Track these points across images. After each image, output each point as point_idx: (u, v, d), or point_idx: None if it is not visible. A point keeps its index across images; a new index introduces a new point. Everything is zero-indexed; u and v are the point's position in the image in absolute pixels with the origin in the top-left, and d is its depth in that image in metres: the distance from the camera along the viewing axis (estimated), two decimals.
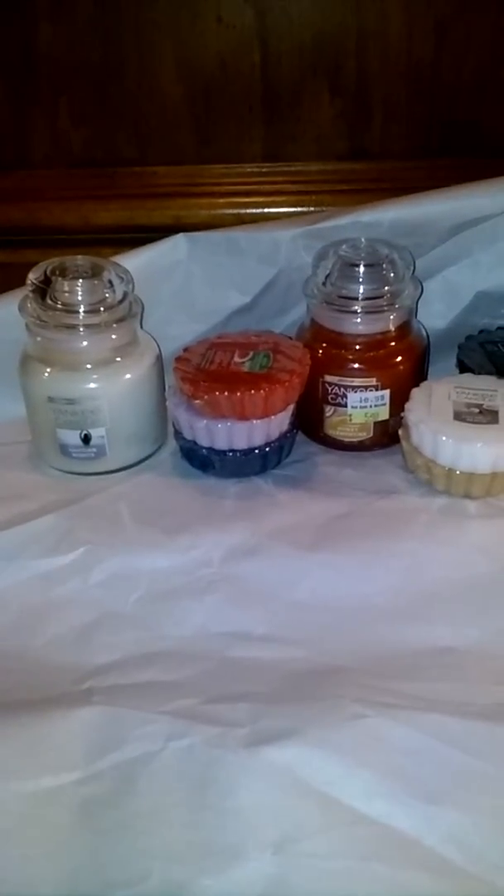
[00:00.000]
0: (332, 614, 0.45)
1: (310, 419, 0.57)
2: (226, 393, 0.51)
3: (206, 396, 0.51)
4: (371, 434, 0.57)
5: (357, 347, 0.55)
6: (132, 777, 0.35)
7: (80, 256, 0.55)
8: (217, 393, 0.51)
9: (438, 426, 0.51)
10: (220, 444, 0.54)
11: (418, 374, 0.57)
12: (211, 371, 0.53)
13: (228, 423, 0.52)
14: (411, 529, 0.50)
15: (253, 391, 0.51)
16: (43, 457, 0.57)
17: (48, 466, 0.56)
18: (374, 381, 0.55)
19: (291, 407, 0.54)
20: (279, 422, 0.54)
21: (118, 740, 0.36)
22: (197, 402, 0.52)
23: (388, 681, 0.40)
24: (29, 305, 0.53)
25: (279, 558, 0.49)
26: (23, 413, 0.56)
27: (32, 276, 0.54)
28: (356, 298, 0.54)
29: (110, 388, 0.53)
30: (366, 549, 0.49)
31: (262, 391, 0.51)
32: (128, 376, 0.54)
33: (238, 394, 0.51)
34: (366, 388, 0.55)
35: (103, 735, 0.37)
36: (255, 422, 0.52)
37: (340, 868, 0.31)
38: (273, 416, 0.53)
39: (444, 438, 0.51)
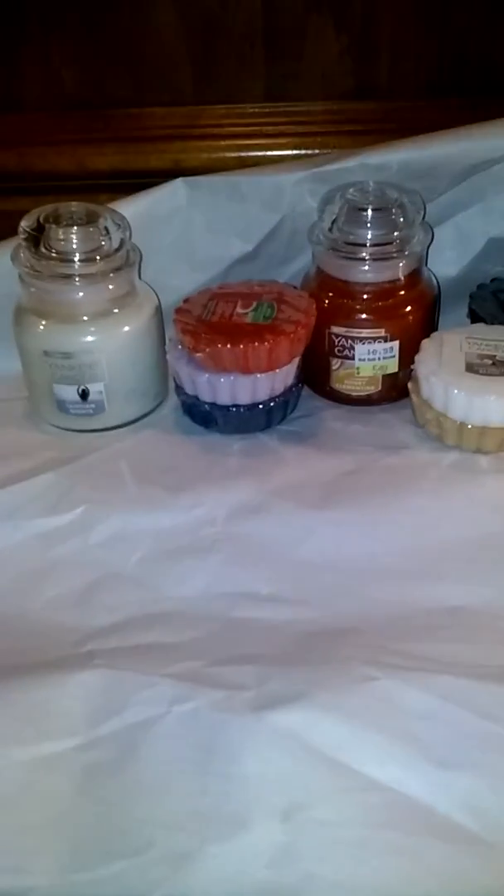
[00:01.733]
0: (341, 574, 0.44)
1: (316, 373, 0.55)
2: (228, 345, 0.49)
3: (207, 349, 0.49)
4: (379, 388, 0.55)
5: (365, 297, 0.53)
6: (134, 743, 0.33)
7: (74, 203, 0.52)
8: (219, 345, 0.49)
9: (450, 378, 0.49)
10: (223, 399, 0.52)
11: (428, 324, 0.55)
12: (213, 323, 0.51)
13: (231, 378, 0.50)
14: (421, 486, 0.49)
15: (257, 343, 0.49)
16: (40, 414, 0.55)
17: (46, 424, 0.55)
18: (382, 332, 0.53)
19: (297, 360, 0.52)
20: (284, 375, 0.52)
21: (120, 704, 0.35)
22: (198, 355, 0.50)
23: (399, 642, 0.39)
24: (22, 255, 0.51)
25: (285, 516, 0.47)
26: (18, 369, 0.54)
27: (25, 224, 0.51)
28: (364, 245, 0.52)
29: (108, 341, 0.51)
30: (374, 506, 0.47)
31: (266, 343, 0.49)
32: (126, 329, 0.52)
33: (241, 346, 0.49)
34: (374, 339, 0.53)
35: (105, 699, 0.35)
36: (259, 375, 0.50)
37: (351, 836, 0.30)
38: (278, 370, 0.51)
39: (455, 391, 0.49)
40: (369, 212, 0.52)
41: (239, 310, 0.52)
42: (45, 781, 0.33)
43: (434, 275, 0.56)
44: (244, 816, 0.31)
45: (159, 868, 0.30)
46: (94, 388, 0.52)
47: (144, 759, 0.33)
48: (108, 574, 0.45)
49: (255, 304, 0.52)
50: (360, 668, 0.36)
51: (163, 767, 0.33)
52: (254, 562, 0.45)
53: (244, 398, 0.51)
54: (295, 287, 0.55)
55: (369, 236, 0.52)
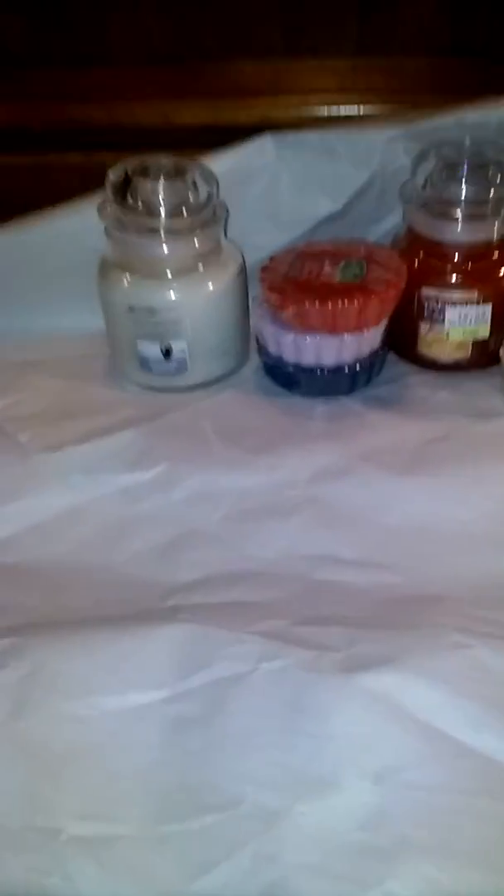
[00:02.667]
0: (427, 540, 0.43)
1: (402, 336, 0.54)
2: (316, 303, 0.48)
3: (294, 307, 0.48)
4: (469, 354, 0.53)
5: (457, 258, 0.51)
6: (222, 697, 0.33)
7: (162, 156, 0.51)
8: (307, 304, 0.48)
9: None
10: (308, 361, 0.50)
11: None
12: (300, 281, 0.50)
13: (318, 338, 0.49)
14: None
15: (346, 302, 0.47)
16: (123, 371, 0.54)
17: (128, 382, 0.54)
18: (475, 296, 0.51)
19: (384, 322, 0.51)
20: (371, 338, 0.50)
21: (207, 659, 0.35)
22: (284, 313, 0.49)
23: (490, 611, 0.38)
24: (108, 208, 0.51)
25: (370, 481, 0.46)
26: (102, 326, 0.54)
27: (112, 176, 0.50)
28: (458, 203, 0.50)
29: (192, 298, 0.51)
30: (463, 474, 0.46)
31: (355, 302, 0.47)
32: (210, 286, 0.51)
33: (329, 305, 0.47)
34: (466, 302, 0.51)
35: (191, 653, 0.35)
36: (345, 336, 0.49)
37: (444, 802, 0.29)
38: (365, 331, 0.49)
39: None
40: (465, 169, 0.50)
41: (327, 269, 0.50)
42: (132, 731, 0.33)
43: None
44: (335, 776, 0.30)
45: (249, 824, 0.29)
46: (178, 346, 0.51)
47: (232, 714, 0.33)
48: (190, 531, 0.44)
49: (343, 262, 0.51)
50: (451, 634, 0.35)
51: (251, 723, 0.32)
52: (337, 525, 0.44)
53: (329, 359, 0.50)
54: (386, 247, 0.53)
55: (464, 194, 0.50)
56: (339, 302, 0.47)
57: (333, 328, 0.49)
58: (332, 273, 0.50)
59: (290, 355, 0.51)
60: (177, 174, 0.50)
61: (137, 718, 0.33)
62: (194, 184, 0.50)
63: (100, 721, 0.33)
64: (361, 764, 0.30)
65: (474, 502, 0.44)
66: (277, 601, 0.39)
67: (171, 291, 0.50)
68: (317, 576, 0.41)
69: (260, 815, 0.30)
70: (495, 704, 0.32)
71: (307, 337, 0.49)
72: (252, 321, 0.53)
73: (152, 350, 0.51)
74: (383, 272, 0.49)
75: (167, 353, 0.51)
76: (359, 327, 0.49)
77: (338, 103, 0.59)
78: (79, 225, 0.54)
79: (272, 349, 0.52)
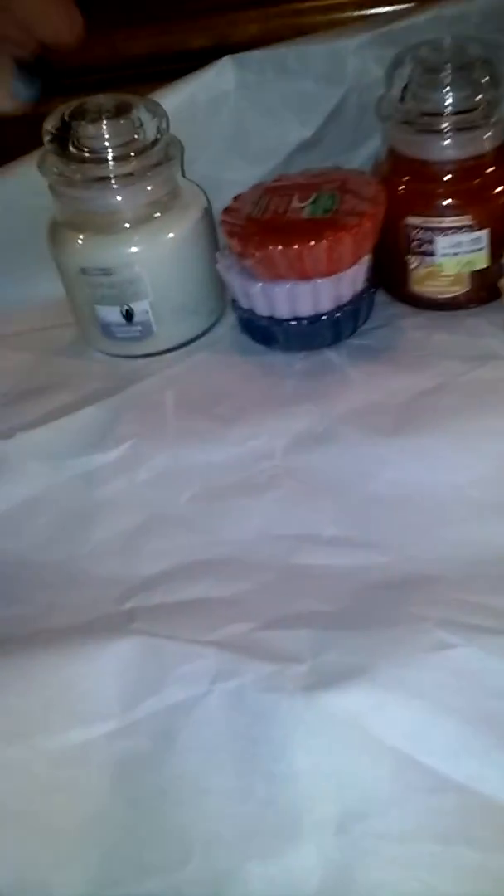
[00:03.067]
0: (417, 511, 0.38)
1: (391, 274, 0.48)
2: (280, 246, 0.42)
3: (256, 253, 0.43)
4: (467, 287, 0.47)
5: (446, 178, 0.44)
6: (172, 729, 0.29)
7: (101, 95, 0.45)
8: (270, 247, 0.42)
9: None
10: (281, 312, 0.45)
11: None
12: (264, 221, 0.44)
13: (288, 285, 0.43)
14: None
15: (314, 242, 0.41)
16: (87, 340, 0.50)
17: (93, 350, 0.50)
18: (468, 220, 0.44)
19: (365, 259, 0.45)
20: (351, 279, 0.45)
21: (158, 681, 0.31)
22: (248, 260, 0.43)
23: (484, 594, 0.33)
24: (48, 160, 0.45)
25: (353, 446, 0.41)
26: (62, 292, 0.49)
27: (49, 125, 0.45)
28: (442, 113, 0.43)
29: (150, 251, 0.45)
30: (458, 430, 0.40)
31: (324, 241, 0.41)
32: (170, 235, 0.46)
33: (296, 246, 0.42)
34: (458, 229, 0.44)
35: (142, 674, 0.31)
36: (320, 281, 0.43)
37: (418, 853, 0.25)
38: (342, 273, 0.43)
39: None
40: (447, 72, 0.43)
41: (295, 204, 0.44)
42: (73, 776, 0.29)
43: None
44: (292, 826, 0.26)
45: (196, 889, 0.25)
46: (139, 308, 0.46)
47: (182, 751, 0.28)
48: (156, 516, 0.40)
49: (314, 195, 0.44)
50: (433, 631, 0.30)
51: (202, 761, 0.28)
52: (316, 499, 0.39)
53: (305, 309, 0.45)
54: (363, 173, 0.47)
55: (448, 101, 0.43)
56: (306, 242, 0.42)
57: (303, 273, 0.43)
58: (301, 209, 0.44)
59: (262, 307, 0.45)
60: (119, 112, 0.45)
61: (80, 760, 0.29)
62: (140, 121, 0.45)
63: (38, 765, 0.29)
64: (322, 810, 0.26)
65: (471, 463, 0.39)
66: (245, 596, 0.35)
67: (126, 246, 0.45)
68: (293, 559, 0.37)
69: (207, 877, 0.26)
70: (479, 719, 0.27)
71: (276, 285, 0.44)
72: (219, 271, 0.47)
73: (112, 314, 0.47)
74: (358, 202, 0.43)
75: (129, 316, 0.46)
76: (332, 270, 0.43)
77: (303, 13, 0.52)
78: (24, 185, 0.48)
79: (242, 302, 0.46)
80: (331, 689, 0.28)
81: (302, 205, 0.44)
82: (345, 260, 0.43)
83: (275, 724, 0.28)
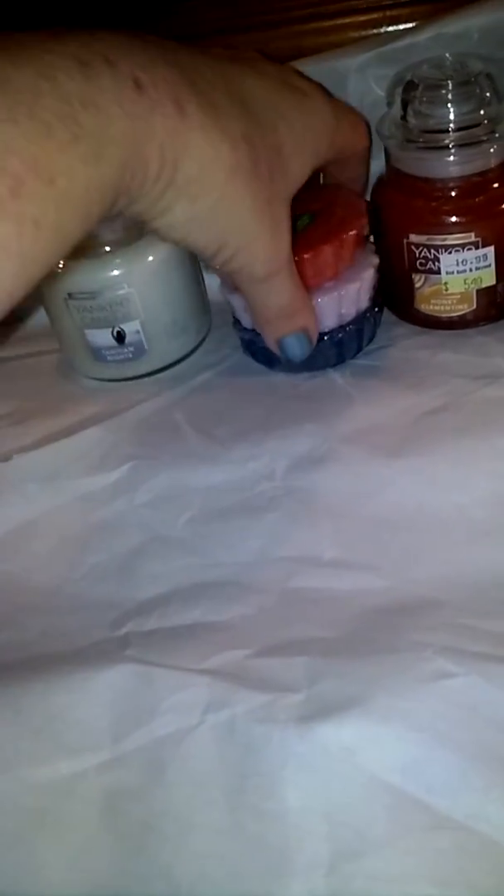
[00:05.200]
0: (420, 532, 0.37)
1: (397, 293, 0.47)
2: None
3: None
4: (474, 306, 0.46)
5: (451, 195, 0.43)
6: (161, 762, 0.28)
7: None
8: None
9: None
10: None
11: None
12: None
13: None
14: None
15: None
16: (75, 366, 0.49)
17: (82, 377, 0.49)
18: (472, 237, 0.43)
19: (369, 277, 0.44)
20: (354, 299, 0.44)
21: (149, 710, 0.30)
22: None
23: (488, 619, 0.31)
24: None
25: (354, 466, 0.40)
26: (44, 319, 0.49)
27: None
28: (445, 130, 0.43)
29: (137, 270, 0.45)
30: (462, 449, 0.39)
31: (305, 255, 0.41)
32: (151, 258, 0.45)
33: None
34: (463, 246, 0.44)
35: (133, 703, 0.30)
36: (321, 300, 0.43)
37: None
38: (343, 290, 0.43)
39: None
40: (449, 88, 0.42)
41: None
42: (61, 809, 0.28)
43: None
44: (281, 867, 0.25)
45: None
46: (130, 328, 0.46)
47: (171, 784, 0.27)
48: (154, 538, 0.39)
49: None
50: (433, 659, 0.29)
51: (192, 796, 0.27)
52: (317, 520, 0.38)
53: None
54: (348, 189, 0.46)
55: (451, 117, 0.42)
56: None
57: None
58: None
59: None
60: None
61: (68, 792, 0.28)
62: None
63: (25, 798, 0.28)
64: (312, 849, 0.25)
65: (476, 483, 0.38)
66: (241, 621, 0.34)
67: (112, 269, 0.44)
68: (292, 583, 0.36)
69: None
70: (479, 753, 0.26)
71: None
72: (223, 291, 0.46)
73: (103, 337, 0.46)
74: (341, 211, 0.43)
75: (120, 337, 0.46)
76: (317, 283, 0.42)
77: (304, 34, 0.52)
78: None
79: (244, 322, 0.46)
80: (325, 721, 0.27)
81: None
82: (325, 272, 0.42)
83: (266, 757, 0.27)
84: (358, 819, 0.25)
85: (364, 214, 0.43)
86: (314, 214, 0.43)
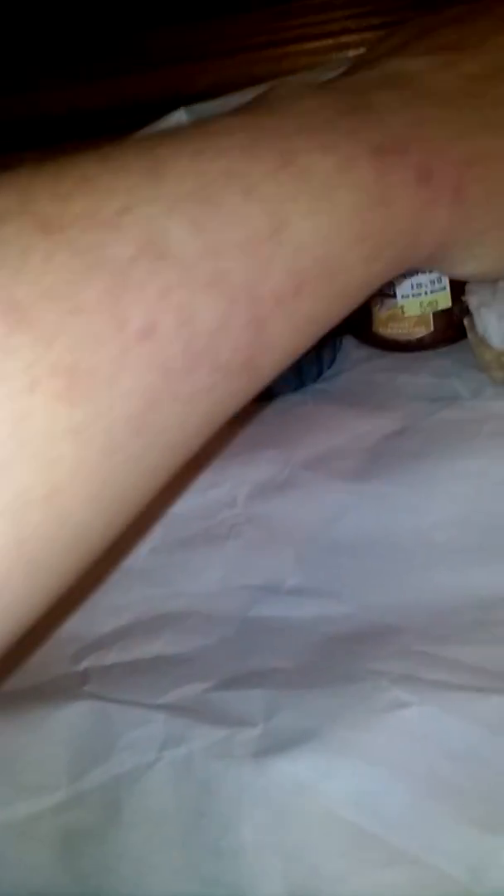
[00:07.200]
0: (380, 557, 0.37)
1: (356, 317, 0.47)
2: None
3: None
4: (432, 328, 0.46)
5: None
6: (118, 801, 0.28)
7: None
8: None
9: None
10: None
11: None
12: None
13: None
14: (481, 444, 0.40)
15: None
16: None
17: None
18: None
19: None
20: None
21: (106, 748, 0.29)
22: None
23: (446, 644, 0.31)
24: None
25: (315, 492, 0.40)
26: None
27: None
28: None
29: None
30: (422, 472, 0.39)
31: None
32: None
33: None
34: (417, 269, 0.44)
35: (91, 741, 0.30)
36: None
37: None
38: None
39: None
40: None
41: None
42: (18, 851, 0.27)
43: None
44: None
45: None
46: None
47: (127, 825, 0.27)
48: (115, 569, 0.39)
49: None
50: (389, 688, 0.29)
51: (148, 835, 0.27)
52: (278, 548, 0.38)
53: None
54: None
55: None
56: None
57: None
58: None
59: None
60: None
61: (25, 835, 0.28)
62: None
63: None
64: (269, 888, 0.24)
65: (436, 506, 0.38)
66: (202, 652, 0.34)
67: None
68: (253, 612, 0.36)
69: None
70: (434, 785, 0.26)
71: None
72: None
73: None
74: None
75: None
76: None
77: (257, 61, 0.52)
78: None
79: None
80: (280, 756, 0.27)
81: None
82: None
83: (221, 794, 0.27)
84: (314, 855, 0.25)
85: None
86: None
